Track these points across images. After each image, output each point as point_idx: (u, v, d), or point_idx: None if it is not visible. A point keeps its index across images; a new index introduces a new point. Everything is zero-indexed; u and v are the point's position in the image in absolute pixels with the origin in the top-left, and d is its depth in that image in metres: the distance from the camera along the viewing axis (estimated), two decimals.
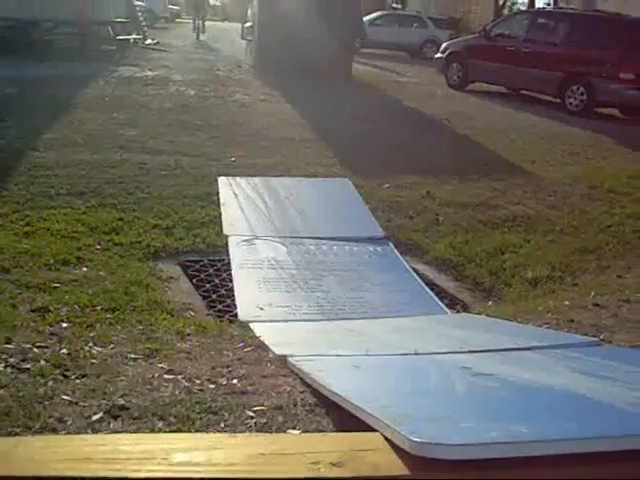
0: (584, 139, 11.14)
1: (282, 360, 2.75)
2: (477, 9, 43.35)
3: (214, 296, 4.55)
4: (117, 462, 1.04)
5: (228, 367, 2.62)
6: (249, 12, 16.77)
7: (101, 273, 4.51)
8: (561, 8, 22.23)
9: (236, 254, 5.18)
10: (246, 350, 2.95)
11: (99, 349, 2.81)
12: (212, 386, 2.39)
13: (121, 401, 2.15)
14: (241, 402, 2.23)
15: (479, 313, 4.48)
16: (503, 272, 5.39)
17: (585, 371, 2.43)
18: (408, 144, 9.26)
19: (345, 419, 1.76)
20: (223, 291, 4.63)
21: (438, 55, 17.47)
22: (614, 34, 13.80)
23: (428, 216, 6.60)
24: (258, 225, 5.84)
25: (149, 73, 13.48)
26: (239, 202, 6.27)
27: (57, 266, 4.55)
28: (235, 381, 2.45)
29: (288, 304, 4.51)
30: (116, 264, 4.75)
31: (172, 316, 3.85)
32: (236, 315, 4.21)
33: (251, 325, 3.90)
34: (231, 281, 4.74)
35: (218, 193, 6.39)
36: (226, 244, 5.35)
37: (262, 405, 2.22)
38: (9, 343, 2.77)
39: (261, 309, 4.31)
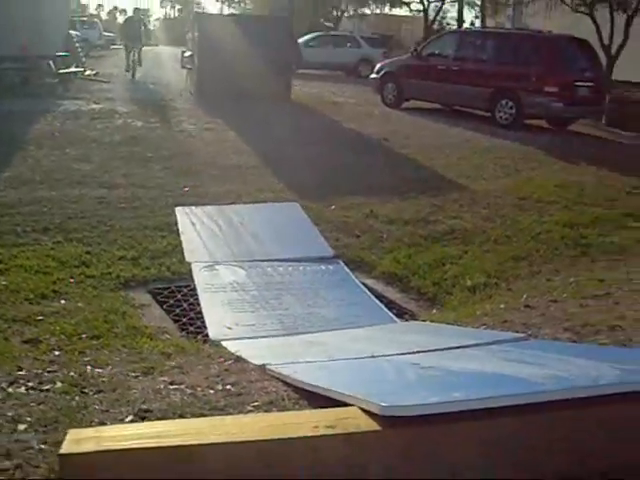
0: (514, 152, 11.86)
1: (262, 369, 3.20)
2: (408, 27, 44.50)
3: (184, 319, 4.97)
4: (179, 437, 1.51)
5: (219, 376, 3.06)
6: (188, 42, 17.15)
7: (79, 304, 4.89)
8: (487, 27, 23.17)
9: (200, 279, 5.62)
10: (228, 363, 3.39)
11: (100, 370, 3.22)
12: (212, 391, 2.82)
13: (144, 406, 2.57)
14: (240, 401, 2.67)
15: (425, 320, 5.02)
16: (444, 282, 5.96)
17: (510, 359, 2.96)
18: (350, 165, 9.82)
19: (324, 405, 2.21)
20: (192, 314, 5.05)
21: (373, 75, 18.15)
22: (538, 51, 14.70)
23: (373, 234, 7.14)
24: (217, 251, 6.29)
25: (95, 106, 13.79)
26: (197, 230, 6.72)
27: (37, 300, 4.92)
28: (229, 386, 2.89)
29: (253, 323, 4.96)
30: (91, 295, 5.14)
31: (151, 339, 4.27)
32: (207, 335, 4.64)
33: (223, 343, 4.33)
34: (198, 305, 5.18)
35: (176, 223, 6.83)
36: (190, 270, 5.80)
37: (257, 401, 2.67)
38: (21, 370, 3.16)
39: (229, 329, 4.76)
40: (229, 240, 6.58)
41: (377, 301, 5.48)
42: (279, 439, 1.50)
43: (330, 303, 5.45)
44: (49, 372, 3.12)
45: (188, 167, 9.16)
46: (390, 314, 5.20)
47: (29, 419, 2.49)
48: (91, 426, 2.21)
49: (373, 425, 1.53)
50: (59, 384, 2.89)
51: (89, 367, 3.26)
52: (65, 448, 1.59)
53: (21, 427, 2.41)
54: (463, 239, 7.20)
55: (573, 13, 20.54)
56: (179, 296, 5.38)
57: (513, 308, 4.82)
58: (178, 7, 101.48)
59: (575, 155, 11.88)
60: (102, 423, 2.31)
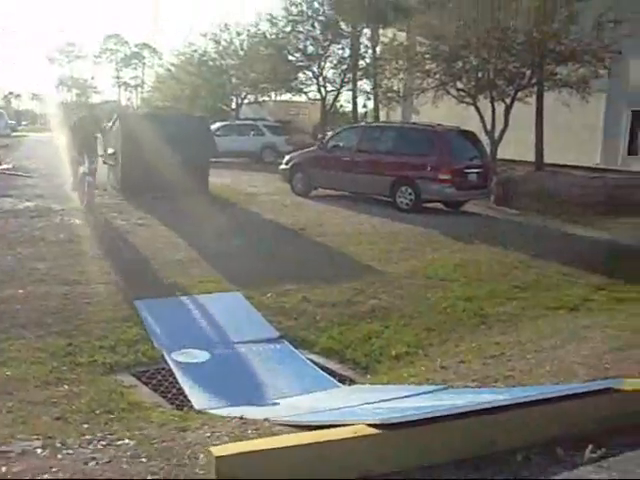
0: (417, 235, 13.45)
1: (266, 421, 4.33)
2: (305, 112, 46.75)
3: (170, 395, 6.06)
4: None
5: (242, 427, 4.18)
6: (111, 139, 18.16)
7: (82, 387, 5.92)
8: (386, 122, 25.29)
9: (172, 363, 6.75)
10: (235, 421, 4.51)
11: (152, 432, 4.27)
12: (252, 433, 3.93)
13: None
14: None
15: (364, 384, 6.29)
16: (373, 353, 7.27)
17: (438, 399, 4.25)
18: (277, 256, 11.11)
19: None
20: (174, 390, 6.16)
21: (283, 166, 19.65)
22: (432, 143, 16.58)
23: (308, 316, 8.40)
24: (181, 338, 7.42)
25: (28, 204, 14.60)
26: (158, 321, 7.83)
27: (44, 386, 5.91)
28: (250, 431, 4.02)
29: (225, 395, 6.10)
30: (87, 380, 6.17)
31: (153, 411, 5.36)
32: (191, 406, 5.76)
33: (209, 411, 5.47)
34: (177, 383, 6.29)
35: (138, 315, 7.93)
36: (162, 355, 6.91)
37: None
38: (84, 435, 4.19)
39: (209, 400, 5.89)
40: (189, 328, 7.72)
41: (321, 371, 6.74)
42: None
43: (283, 376, 6.67)
44: (108, 435, 4.17)
45: (133, 263, 10.22)
46: (334, 381, 6.47)
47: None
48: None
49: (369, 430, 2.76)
50: (131, 442, 3.94)
51: (132, 432, 4.33)
52: (216, 452, 2.69)
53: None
54: (383, 316, 8.56)
55: (459, 103, 22.88)
56: (159, 377, 6.47)
57: (431, 370, 6.18)
58: (76, 92, 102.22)
59: (469, 235, 13.56)
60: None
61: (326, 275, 10.06)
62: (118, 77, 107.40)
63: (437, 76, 22.69)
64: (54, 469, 3.27)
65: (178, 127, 17.40)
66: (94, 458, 3.44)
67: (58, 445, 3.76)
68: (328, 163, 18.13)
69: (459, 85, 22.39)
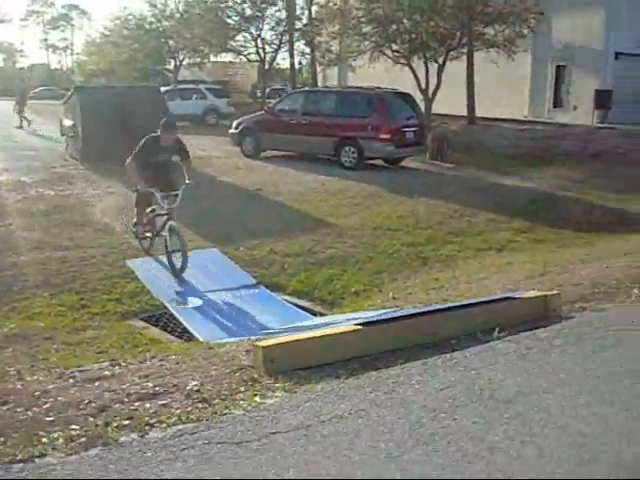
0: (362, 191, 14.94)
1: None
2: (244, 71, 47.63)
3: (177, 333, 7.48)
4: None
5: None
6: (67, 111, 19.03)
7: (104, 332, 7.29)
8: (328, 86, 26.60)
9: (172, 308, 8.15)
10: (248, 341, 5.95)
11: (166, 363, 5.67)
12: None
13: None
14: None
15: (332, 314, 7.82)
16: (336, 291, 8.83)
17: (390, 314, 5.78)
18: (241, 214, 12.48)
19: None
20: (179, 329, 7.58)
21: (232, 130, 20.84)
22: (372, 105, 18.01)
23: (277, 265, 9.87)
24: (174, 288, 8.80)
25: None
26: (152, 275, 9.19)
27: (75, 332, 7.27)
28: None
29: (221, 330, 7.55)
30: (107, 325, 7.54)
31: (171, 344, 6.77)
32: (197, 339, 7.18)
33: (212, 342, 6.90)
34: (180, 324, 7.70)
35: (133, 272, 9.27)
36: (162, 303, 8.30)
37: None
38: (135, 357, 5.57)
39: (212, 334, 7.33)
40: (179, 280, 9.09)
41: (296, 308, 8.24)
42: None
43: (266, 313, 8.14)
44: (154, 355, 5.55)
45: (115, 229, 11.47)
46: (308, 315, 7.99)
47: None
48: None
49: None
50: (169, 357, 5.34)
51: (160, 360, 5.73)
52: (261, 344, 4.10)
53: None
54: (341, 262, 10.10)
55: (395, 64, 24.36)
56: (165, 320, 7.87)
57: (385, 301, 7.74)
58: (2, 56, 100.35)
59: (409, 189, 15.13)
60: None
61: (287, 230, 11.51)
62: (46, 40, 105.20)
63: (373, 39, 24.04)
64: (124, 384, 4.54)
65: (133, 97, 18.46)
66: (148, 375, 4.80)
67: (123, 364, 5.13)
68: (276, 126, 19.40)
69: (394, 47, 23.79)
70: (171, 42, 42.79)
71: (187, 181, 9.63)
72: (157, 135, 9.38)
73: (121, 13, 45.79)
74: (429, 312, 4.70)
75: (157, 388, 3.95)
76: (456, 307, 4.78)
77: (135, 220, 10.06)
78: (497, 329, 4.50)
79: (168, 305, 8.22)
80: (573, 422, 3.24)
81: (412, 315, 4.57)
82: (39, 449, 3.09)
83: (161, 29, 42.60)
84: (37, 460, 3.01)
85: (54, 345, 6.83)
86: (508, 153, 21.38)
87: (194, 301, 8.41)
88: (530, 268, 8.45)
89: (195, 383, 3.99)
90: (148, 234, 9.94)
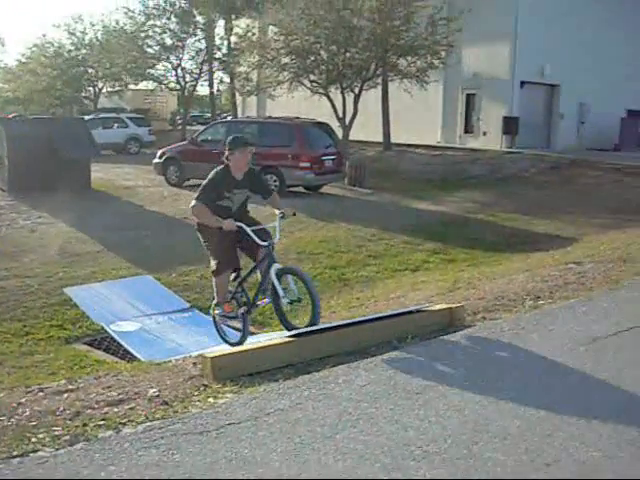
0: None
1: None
2: (163, 99, 47.93)
3: (119, 355, 8.04)
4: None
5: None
6: None
7: (52, 355, 7.80)
8: (251, 117, 27.35)
9: (112, 332, 8.70)
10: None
11: (122, 377, 6.26)
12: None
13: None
14: None
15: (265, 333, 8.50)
16: (266, 312, 9.44)
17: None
18: (170, 242, 13.04)
19: None
20: (121, 351, 8.14)
21: (156, 160, 21.32)
22: (291, 134, 18.87)
23: (209, 289, 10.45)
24: (112, 313, 9.35)
25: None
26: (90, 302, 9.71)
27: (23, 356, 7.76)
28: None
29: (161, 350, 8.14)
30: (52, 349, 8.05)
31: (116, 364, 7.34)
32: (139, 359, 7.76)
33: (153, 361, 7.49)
34: (121, 346, 8.27)
35: (71, 299, 9.77)
36: (102, 327, 8.84)
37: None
38: (87, 375, 6.11)
39: (150, 355, 7.91)
40: (116, 306, 9.65)
41: (229, 329, 8.87)
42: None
43: (201, 334, 8.77)
44: (107, 373, 6.12)
45: (51, 257, 11.90)
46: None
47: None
48: None
49: None
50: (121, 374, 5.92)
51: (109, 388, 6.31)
52: (209, 355, 4.75)
53: None
54: None
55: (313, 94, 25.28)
56: (106, 343, 8.42)
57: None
58: None
59: (329, 214, 15.97)
60: None
61: None
62: None
63: (291, 69, 24.91)
64: (90, 394, 5.15)
65: (59, 129, 18.85)
66: (110, 386, 5.41)
67: (80, 380, 5.70)
68: (199, 156, 19.97)
69: (312, 77, 24.70)
70: (91, 70, 42.96)
71: (282, 210, 7.04)
72: (226, 166, 6.55)
73: (39, 41, 45.60)
74: (352, 324, 5.47)
75: (121, 396, 4.57)
76: (375, 319, 5.58)
77: (216, 301, 7.10)
78: (409, 336, 5.30)
79: (108, 329, 8.77)
80: (469, 404, 4.04)
81: (338, 327, 5.33)
82: (31, 447, 3.69)
83: (80, 57, 42.66)
84: (31, 454, 3.60)
85: (5, 369, 7.32)
86: (422, 178, 22.53)
87: (132, 325, 8.98)
88: (441, 285, 9.33)
89: (154, 390, 4.63)
90: (241, 309, 7.10)
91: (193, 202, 6.52)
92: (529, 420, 3.86)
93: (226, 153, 6.50)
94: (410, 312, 5.81)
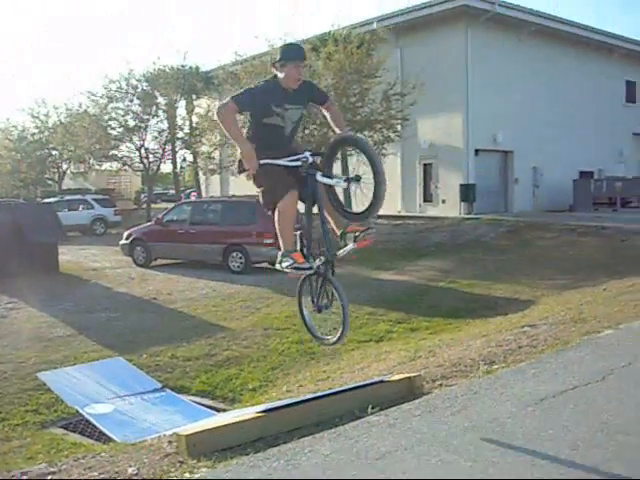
0: (251, 294, 16.10)
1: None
2: (127, 179, 48.54)
3: (95, 437, 8.28)
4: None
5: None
6: None
7: (29, 439, 8.02)
8: (214, 197, 27.96)
9: (87, 414, 8.94)
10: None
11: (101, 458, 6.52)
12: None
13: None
14: None
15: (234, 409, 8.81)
16: (236, 389, 9.84)
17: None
18: (141, 324, 13.36)
19: None
20: (97, 434, 8.37)
21: (123, 241, 21.70)
22: (254, 212, 19.37)
23: (180, 369, 10.80)
24: (86, 396, 9.59)
25: None
26: (64, 386, 9.94)
27: None
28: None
29: (135, 428, 8.40)
30: (29, 434, 8.26)
31: (93, 446, 7.57)
32: (115, 440, 8.01)
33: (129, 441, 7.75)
34: (97, 428, 8.51)
35: (45, 384, 9.99)
36: (77, 411, 9.08)
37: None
38: (67, 457, 6.37)
39: (125, 436, 8.17)
40: (90, 389, 9.88)
41: (201, 407, 9.18)
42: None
43: (173, 413, 9.05)
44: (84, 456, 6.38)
45: (24, 343, 12.12)
46: (212, 412, 8.93)
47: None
48: None
49: None
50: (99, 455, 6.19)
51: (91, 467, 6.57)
52: (182, 433, 5.06)
53: None
54: (237, 362, 11.13)
55: None
56: (82, 426, 8.65)
57: (281, 394, 8.82)
58: None
59: (294, 290, 16.29)
60: None
61: (185, 336, 12.47)
62: None
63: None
64: (72, 475, 5.46)
65: (27, 214, 19.23)
66: (90, 467, 5.71)
67: (59, 463, 5.98)
68: (165, 236, 20.50)
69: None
70: (55, 152, 43.46)
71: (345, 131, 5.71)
72: (274, 76, 5.34)
73: (3, 124, 46.09)
74: (317, 397, 5.85)
75: (102, 475, 4.88)
76: (338, 392, 5.98)
77: (282, 251, 5.64)
78: (370, 406, 5.68)
79: (83, 412, 9.00)
80: (425, 469, 4.43)
81: (304, 401, 5.71)
82: None
83: (44, 140, 43.14)
84: None
85: None
86: (385, 248, 23.07)
87: (106, 407, 9.22)
88: (404, 355, 9.75)
89: (133, 468, 4.94)
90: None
91: (225, 100, 5.20)
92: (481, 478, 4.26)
93: (276, 64, 5.25)
94: (371, 383, 6.21)
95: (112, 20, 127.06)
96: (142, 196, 46.64)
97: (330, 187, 5.34)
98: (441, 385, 6.67)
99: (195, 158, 34.87)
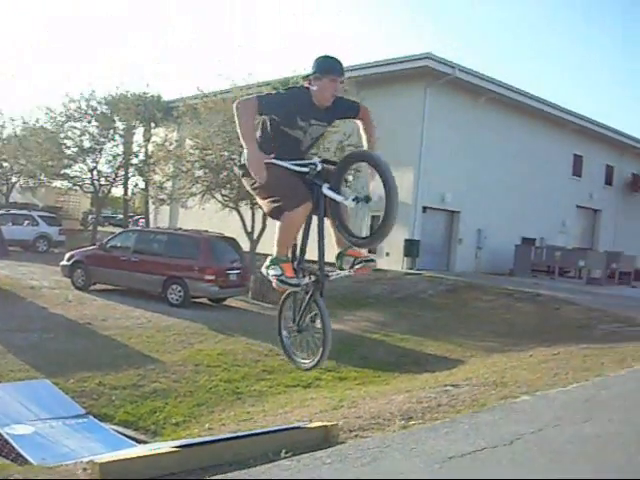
0: (186, 328, 16.14)
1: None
2: (76, 198, 48.10)
3: (11, 458, 8.25)
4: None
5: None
6: None
7: None
8: (159, 228, 27.97)
9: (5, 435, 8.90)
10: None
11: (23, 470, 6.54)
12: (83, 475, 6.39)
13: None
14: None
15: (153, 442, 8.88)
16: (159, 422, 9.90)
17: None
18: (72, 347, 13.32)
19: None
20: (13, 454, 8.35)
21: (64, 262, 21.55)
22: (199, 247, 19.54)
23: (106, 397, 10.83)
24: (8, 414, 9.54)
25: None
26: None
27: None
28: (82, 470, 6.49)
29: (53, 452, 8.40)
30: None
31: (8, 467, 7.57)
32: (31, 462, 8.00)
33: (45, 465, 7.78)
34: (14, 448, 8.48)
35: None
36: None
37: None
38: None
39: (43, 459, 8.17)
40: (12, 409, 9.83)
41: (122, 437, 9.23)
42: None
43: (93, 441, 9.07)
44: None
45: None
46: (133, 442, 8.99)
47: None
48: None
49: None
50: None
51: None
52: (98, 461, 5.15)
53: None
54: (164, 395, 11.20)
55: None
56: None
57: (203, 430, 8.93)
58: None
59: (230, 328, 16.49)
60: None
61: (115, 364, 12.48)
62: None
63: (205, 182, 25.78)
64: None
65: None
66: None
67: None
68: (107, 261, 20.46)
69: (223, 192, 25.61)
70: (5, 164, 42.89)
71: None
72: (307, 88, 4.85)
73: None
74: (235, 438, 6.03)
75: None
76: (255, 434, 6.16)
77: (274, 254, 5.20)
78: (284, 451, 5.88)
79: (1, 431, 8.95)
80: None
81: (221, 440, 5.88)
82: None
83: None
84: None
85: None
86: (325, 295, 23.30)
87: (26, 428, 9.19)
88: (327, 403, 9.96)
89: None
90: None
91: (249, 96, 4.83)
92: None
93: (310, 77, 4.80)
94: (288, 429, 6.41)
95: (112, 20, 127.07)
96: (90, 217, 46.24)
97: (337, 203, 4.88)
98: (357, 436, 6.90)
99: (147, 186, 34.82)
